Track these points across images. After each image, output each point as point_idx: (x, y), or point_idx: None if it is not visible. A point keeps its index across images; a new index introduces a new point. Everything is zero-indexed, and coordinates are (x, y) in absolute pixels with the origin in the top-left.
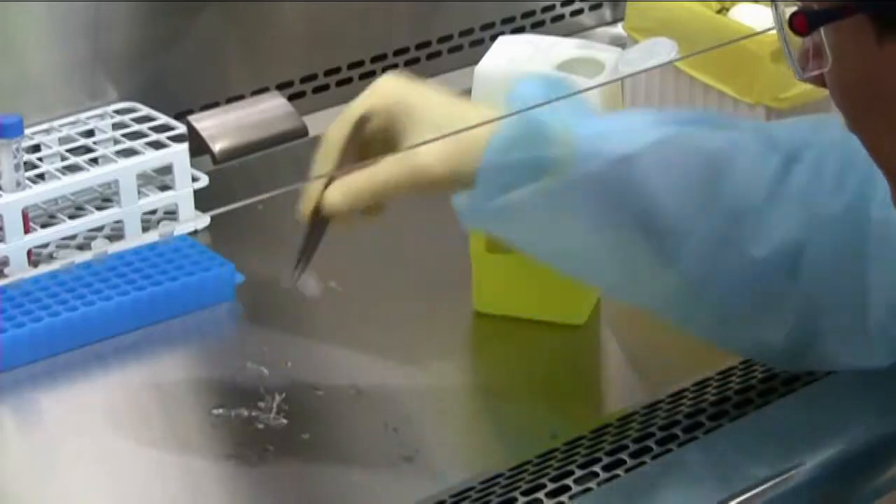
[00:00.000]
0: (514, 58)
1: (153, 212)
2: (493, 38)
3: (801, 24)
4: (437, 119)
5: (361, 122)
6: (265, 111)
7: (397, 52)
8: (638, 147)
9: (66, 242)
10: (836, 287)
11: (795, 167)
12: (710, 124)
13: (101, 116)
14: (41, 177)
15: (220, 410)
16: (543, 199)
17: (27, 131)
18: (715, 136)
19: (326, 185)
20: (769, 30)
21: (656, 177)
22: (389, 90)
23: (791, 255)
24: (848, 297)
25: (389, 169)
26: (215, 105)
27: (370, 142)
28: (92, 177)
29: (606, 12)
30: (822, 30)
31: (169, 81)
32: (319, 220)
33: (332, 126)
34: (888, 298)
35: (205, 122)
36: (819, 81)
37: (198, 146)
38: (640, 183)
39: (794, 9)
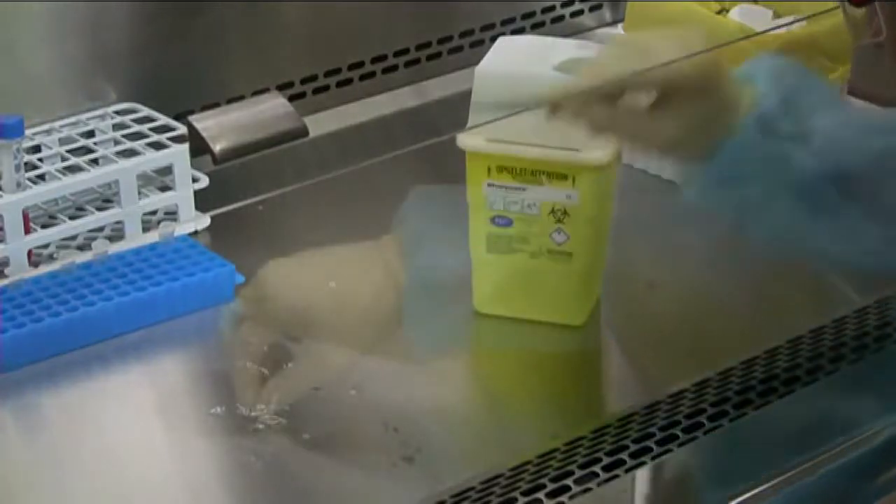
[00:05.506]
0: (514, 59)
1: (153, 212)
2: (493, 38)
3: None
4: None
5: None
6: (265, 111)
7: (397, 53)
8: (862, 161)
9: (67, 243)
10: None
11: None
12: None
13: (102, 117)
14: (42, 177)
15: (220, 410)
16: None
17: (28, 132)
18: None
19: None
20: (769, 30)
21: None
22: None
23: None
24: None
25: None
26: (215, 105)
27: None
28: (92, 177)
29: (606, 13)
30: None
31: (169, 82)
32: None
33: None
34: None
35: (205, 123)
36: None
37: (198, 146)
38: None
39: None
